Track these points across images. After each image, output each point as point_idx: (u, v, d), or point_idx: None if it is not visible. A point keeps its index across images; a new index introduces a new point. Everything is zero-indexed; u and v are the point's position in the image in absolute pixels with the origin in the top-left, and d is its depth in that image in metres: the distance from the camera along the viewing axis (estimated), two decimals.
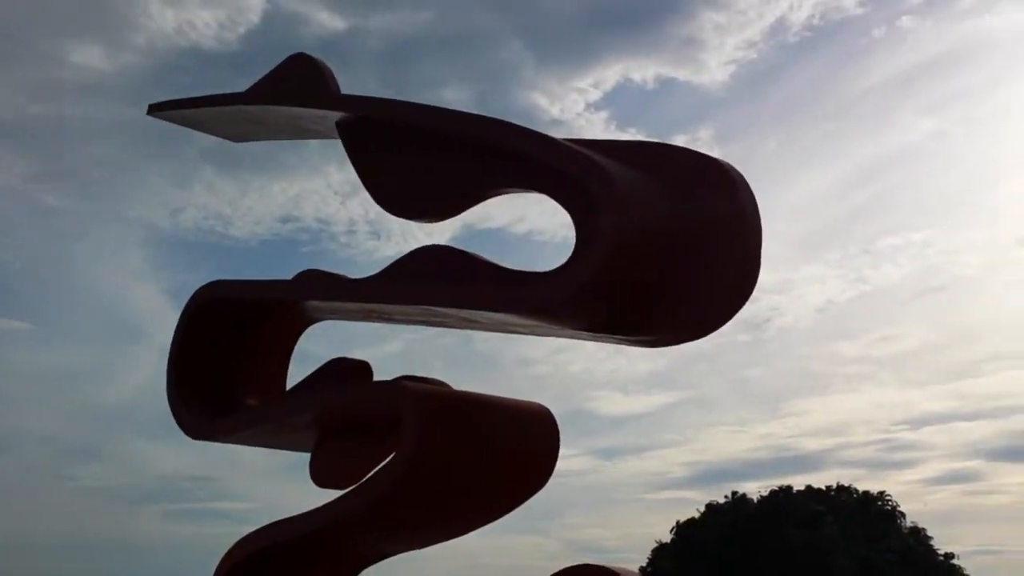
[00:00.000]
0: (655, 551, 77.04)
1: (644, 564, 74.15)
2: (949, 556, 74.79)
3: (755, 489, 79.93)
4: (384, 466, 6.75)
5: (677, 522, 78.78)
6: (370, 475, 6.96)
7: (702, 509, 79.24)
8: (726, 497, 79.40)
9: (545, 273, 6.39)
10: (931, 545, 75.32)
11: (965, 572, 73.98)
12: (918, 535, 76.22)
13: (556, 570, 7.01)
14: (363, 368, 7.79)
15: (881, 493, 79.54)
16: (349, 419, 7.46)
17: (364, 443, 7.38)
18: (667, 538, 77.63)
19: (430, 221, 7.53)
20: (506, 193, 7.20)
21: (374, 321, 8.21)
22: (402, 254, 7.26)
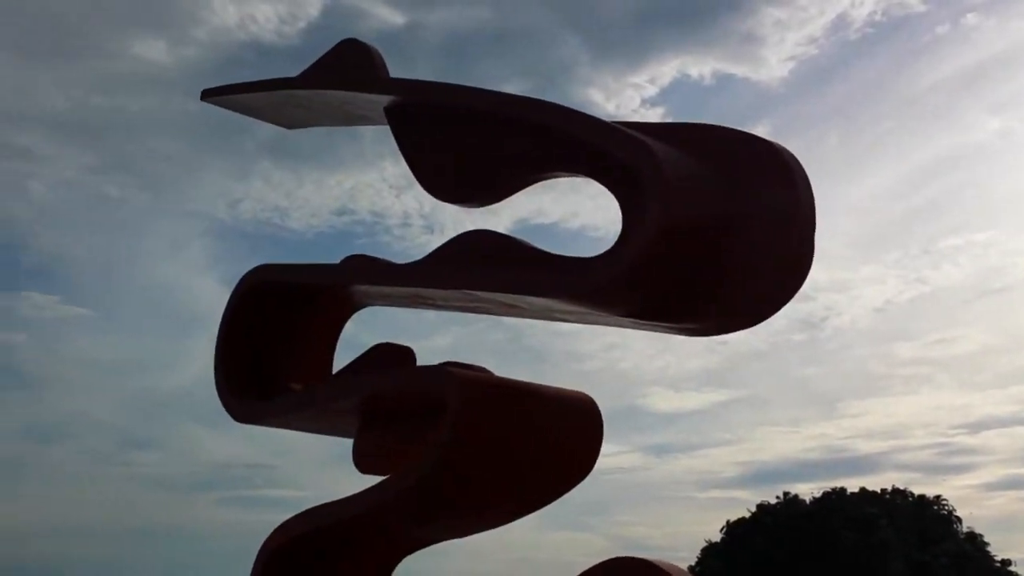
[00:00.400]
0: (704, 550, 76.50)
1: (693, 563, 73.66)
2: (1006, 563, 73.27)
3: (807, 490, 79.02)
4: (426, 451, 6.71)
5: (727, 521, 78.19)
6: (412, 461, 6.94)
7: (753, 509, 78.52)
8: (778, 498, 78.60)
9: (589, 258, 6.30)
10: (988, 551, 73.87)
11: None
12: (975, 540, 74.77)
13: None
14: (407, 353, 7.77)
15: (937, 497, 78.19)
16: (393, 404, 7.44)
17: (407, 429, 7.36)
18: (717, 537, 77.06)
19: (476, 206, 7.48)
20: (553, 177, 7.12)
21: (418, 307, 8.18)
22: None
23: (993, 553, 73.88)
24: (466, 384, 6.67)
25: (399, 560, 7.74)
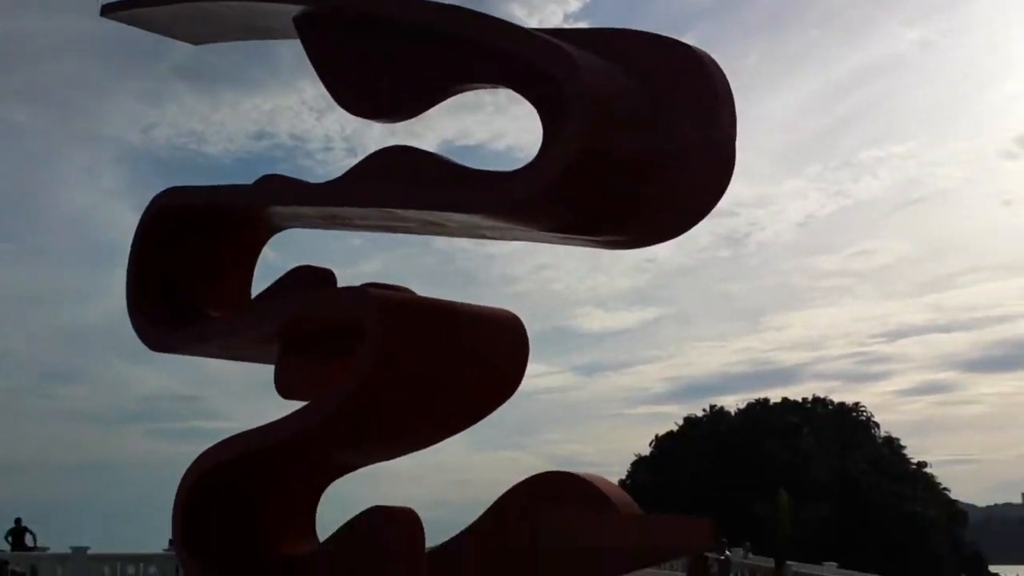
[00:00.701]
0: (634, 464, 78.19)
1: (623, 477, 75.33)
2: (922, 465, 76.28)
3: (733, 402, 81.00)
4: (348, 375, 6.56)
5: (656, 435, 79.92)
6: (335, 385, 6.78)
7: (681, 423, 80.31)
8: (704, 411, 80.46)
9: (510, 173, 6.14)
10: (904, 455, 76.78)
11: (937, 480, 75.63)
12: (892, 445, 77.63)
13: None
14: (327, 276, 7.56)
15: (856, 404, 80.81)
16: (313, 328, 7.25)
17: (329, 352, 7.18)
18: (646, 451, 78.76)
19: (393, 120, 7.22)
20: (474, 89, 6.89)
21: (338, 228, 7.95)
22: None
23: (909, 456, 76.84)
24: (386, 305, 6.51)
25: (326, 485, 7.63)
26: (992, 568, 70.13)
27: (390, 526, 6.53)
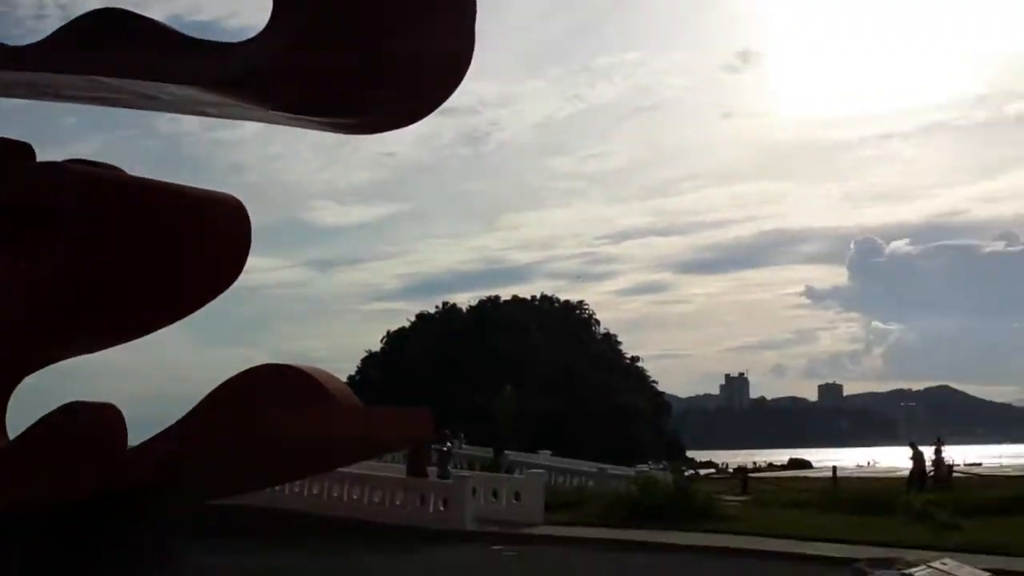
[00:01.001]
0: (364, 360, 78.52)
1: (353, 373, 75.57)
2: (635, 359, 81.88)
3: (465, 300, 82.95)
4: (42, 258, 5.98)
5: (388, 331, 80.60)
6: (27, 267, 6.19)
7: (413, 319, 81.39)
8: (437, 308, 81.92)
9: (234, 44, 5.72)
10: (620, 350, 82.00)
11: (647, 373, 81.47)
12: (610, 341, 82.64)
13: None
14: (23, 149, 6.83)
15: (580, 303, 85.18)
16: (4, 206, 6.55)
17: (23, 234, 6.53)
18: (377, 347, 79.24)
19: None
20: None
21: (42, 98, 7.16)
22: None
23: (625, 352, 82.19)
24: (87, 182, 5.94)
25: (18, 380, 7.00)
26: (689, 453, 76.83)
27: (87, 422, 6.07)
